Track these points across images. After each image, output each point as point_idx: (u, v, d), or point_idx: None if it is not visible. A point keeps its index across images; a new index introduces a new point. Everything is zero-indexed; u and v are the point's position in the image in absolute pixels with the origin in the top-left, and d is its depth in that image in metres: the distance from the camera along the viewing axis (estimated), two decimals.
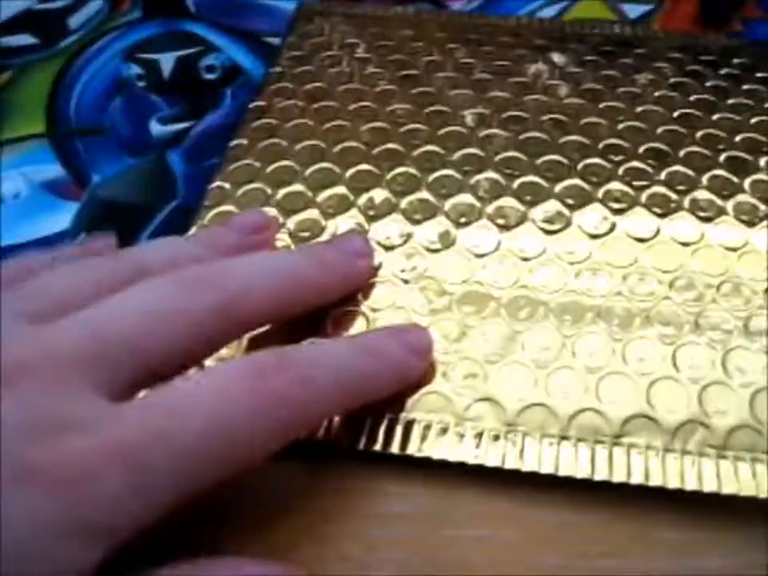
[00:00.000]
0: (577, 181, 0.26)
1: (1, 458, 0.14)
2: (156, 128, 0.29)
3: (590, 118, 0.28)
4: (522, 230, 0.24)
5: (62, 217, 0.27)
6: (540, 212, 0.25)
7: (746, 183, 0.26)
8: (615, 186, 0.26)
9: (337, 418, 0.20)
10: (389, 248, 0.24)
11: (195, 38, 0.33)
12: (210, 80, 0.32)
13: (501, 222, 0.25)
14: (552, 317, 0.22)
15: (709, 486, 0.18)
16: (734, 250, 0.24)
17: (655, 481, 0.19)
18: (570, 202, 0.25)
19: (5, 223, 0.26)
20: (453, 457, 0.19)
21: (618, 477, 0.19)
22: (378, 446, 0.19)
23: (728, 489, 0.18)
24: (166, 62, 0.32)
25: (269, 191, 0.26)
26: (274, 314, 0.19)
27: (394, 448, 0.19)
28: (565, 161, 0.26)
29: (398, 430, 0.20)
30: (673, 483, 0.19)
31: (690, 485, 0.19)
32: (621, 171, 0.26)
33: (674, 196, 0.25)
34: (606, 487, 0.19)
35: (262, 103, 0.29)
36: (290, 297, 0.20)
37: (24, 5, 0.35)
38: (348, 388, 0.18)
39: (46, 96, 0.31)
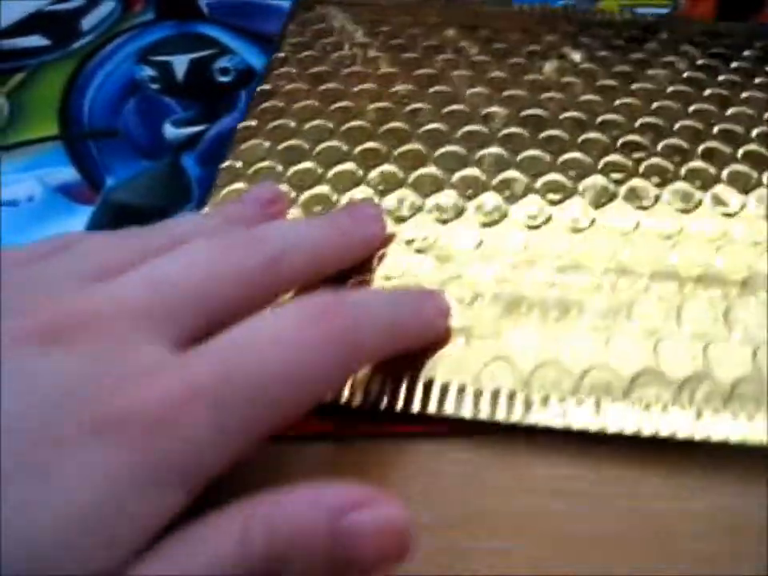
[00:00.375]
0: (577, 154, 0.27)
1: (79, 413, 0.14)
2: (170, 131, 0.29)
3: (587, 95, 0.29)
4: (527, 201, 0.25)
5: (76, 220, 0.27)
6: (541, 183, 0.26)
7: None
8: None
9: (359, 380, 0.20)
10: (401, 219, 0.25)
11: (208, 40, 0.33)
12: (223, 82, 0.32)
13: (507, 193, 0.25)
14: (560, 277, 0.23)
15: (717, 436, 0.19)
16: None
17: (665, 432, 0.19)
18: (572, 174, 0.26)
19: (18, 226, 0.26)
20: (470, 415, 0.20)
21: (629, 429, 0.19)
22: (399, 406, 0.20)
23: (735, 438, 0.19)
24: (180, 64, 0.32)
25: (280, 168, 0.27)
26: (308, 276, 0.20)
27: (415, 407, 0.20)
28: (564, 135, 0.27)
29: (419, 390, 0.20)
30: (682, 434, 0.19)
31: (700, 435, 0.19)
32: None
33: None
34: (630, 498, 0.19)
35: (267, 87, 0.30)
36: (320, 259, 0.21)
37: (35, 5, 0.35)
38: (389, 335, 0.19)
39: (59, 98, 0.31)
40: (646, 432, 0.19)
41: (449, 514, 0.19)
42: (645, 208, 0.25)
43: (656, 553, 0.18)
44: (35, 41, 0.34)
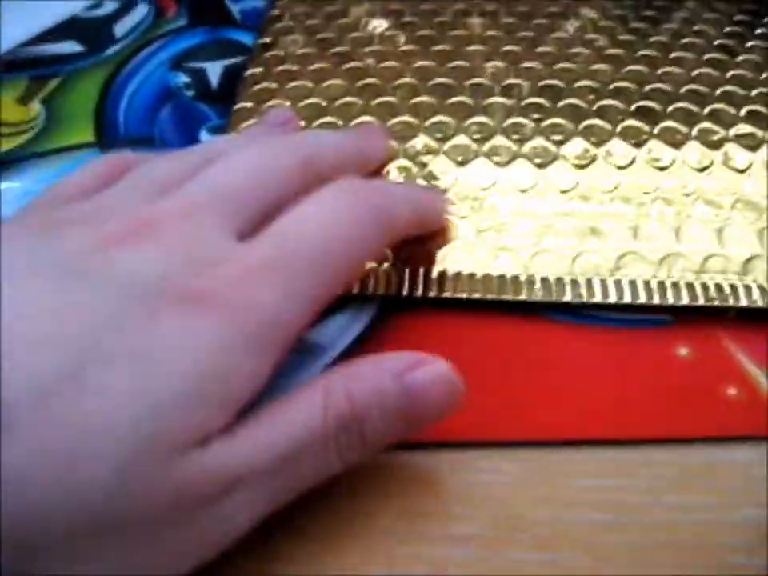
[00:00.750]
0: (597, 121, 0.28)
1: (170, 294, 0.16)
2: (207, 138, 0.29)
3: (597, 65, 0.31)
4: (555, 166, 0.27)
5: None
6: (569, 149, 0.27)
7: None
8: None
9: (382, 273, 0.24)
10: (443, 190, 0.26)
11: (241, 47, 0.33)
12: None
13: (537, 160, 0.27)
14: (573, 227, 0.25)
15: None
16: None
17: (654, 300, 0.23)
18: (594, 140, 0.27)
19: None
20: (480, 295, 0.23)
21: (618, 300, 0.23)
22: (419, 293, 0.23)
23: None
24: (213, 70, 0.32)
25: (288, 105, 0.29)
26: (337, 171, 0.22)
27: (433, 293, 0.23)
28: (581, 103, 0.29)
29: (435, 278, 0.23)
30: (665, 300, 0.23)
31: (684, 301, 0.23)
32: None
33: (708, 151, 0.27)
34: (669, 509, 0.19)
35: (267, 40, 0.33)
36: (342, 160, 0.23)
37: (69, 12, 0.35)
38: (413, 214, 0.22)
39: (94, 104, 0.31)
40: (627, 299, 0.23)
41: (487, 524, 0.19)
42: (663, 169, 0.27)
43: (694, 564, 0.18)
44: (69, 47, 0.34)
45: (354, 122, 0.29)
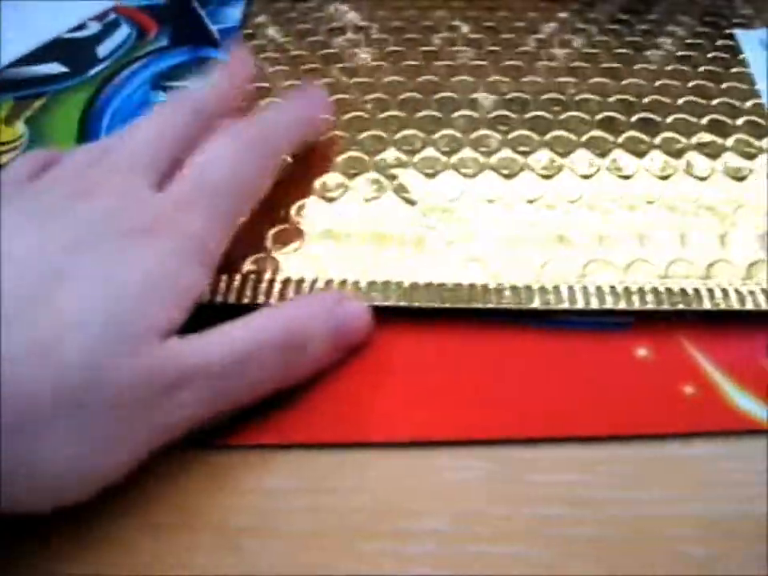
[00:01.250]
0: (563, 132, 0.29)
1: (118, 229, 0.20)
2: None
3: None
4: (522, 177, 0.28)
5: None
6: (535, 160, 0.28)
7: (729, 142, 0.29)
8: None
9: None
10: (411, 202, 0.27)
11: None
12: None
13: (504, 171, 0.28)
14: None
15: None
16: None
17: (620, 306, 0.24)
18: (560, 150, 0.29)
19: None
20: (450, 304, 0.24)
21: (587, 305, 0.24)
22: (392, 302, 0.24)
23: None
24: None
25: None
26: (221, 111, 0.26)
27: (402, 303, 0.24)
28: (548, 115, 0.30)
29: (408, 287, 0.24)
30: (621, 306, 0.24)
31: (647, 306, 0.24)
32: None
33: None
34: (637, 503, 0.20)
35: (249, 31, 0.35)
36: (224, 96, 0.26)
37: (53, 33, 0.36)
38: (292, 134, 0.26)
39: (77, 123, 0.32)
40: (593, 305, 0.24)
41: (456, 520, 0.20)
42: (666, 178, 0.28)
43: (653, 556, 0.19)
44: (53, 68, 0.35)
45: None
